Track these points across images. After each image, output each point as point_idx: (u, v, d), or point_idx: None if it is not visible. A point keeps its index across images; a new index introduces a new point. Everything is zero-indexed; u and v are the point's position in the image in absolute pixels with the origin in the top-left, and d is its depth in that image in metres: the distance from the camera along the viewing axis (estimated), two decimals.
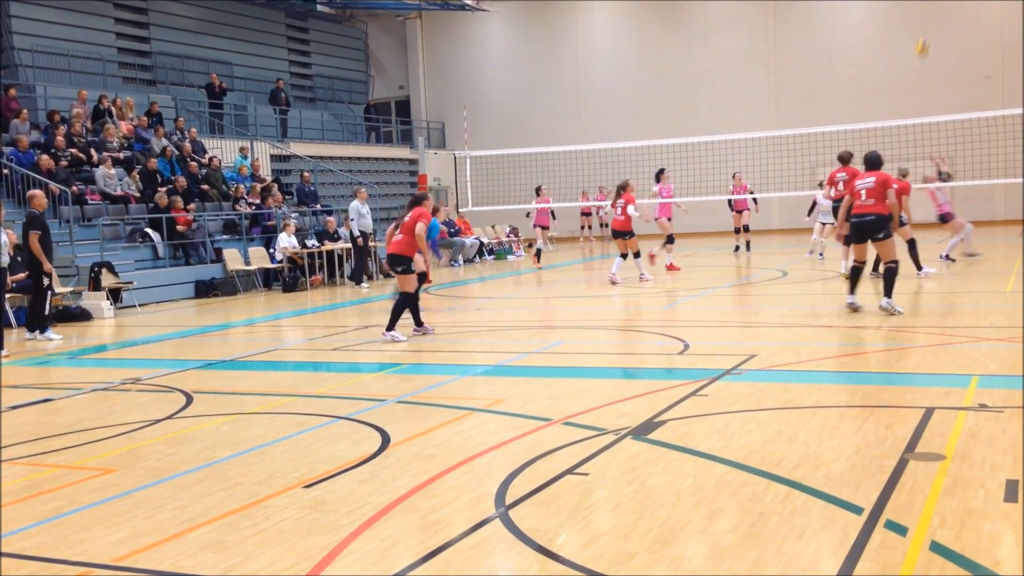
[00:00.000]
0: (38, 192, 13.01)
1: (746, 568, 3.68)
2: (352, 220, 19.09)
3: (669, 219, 18.14)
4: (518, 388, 7.62)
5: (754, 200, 21.97)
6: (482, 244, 25.53)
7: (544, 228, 22.03)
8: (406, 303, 10.39)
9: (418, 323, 10.73)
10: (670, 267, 17.48)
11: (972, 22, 28.16)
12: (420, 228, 10.23)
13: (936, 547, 3.78)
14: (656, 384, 7.43)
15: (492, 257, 25.76)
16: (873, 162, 10.80)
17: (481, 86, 35.16)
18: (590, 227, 31.80)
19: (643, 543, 4.00)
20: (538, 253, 21.15)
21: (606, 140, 28.32)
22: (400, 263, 10.30)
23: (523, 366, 8.84)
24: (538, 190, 22.23)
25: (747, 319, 11.48)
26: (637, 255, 15.96)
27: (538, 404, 6.84)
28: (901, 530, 3.98)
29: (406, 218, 10.46)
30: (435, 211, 14.84)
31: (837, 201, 14.13)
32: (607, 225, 30.48)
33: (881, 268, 10.99)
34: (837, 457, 5.10)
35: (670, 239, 17.79)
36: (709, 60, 31.79)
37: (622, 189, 15.88)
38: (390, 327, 10.34)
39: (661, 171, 18.77)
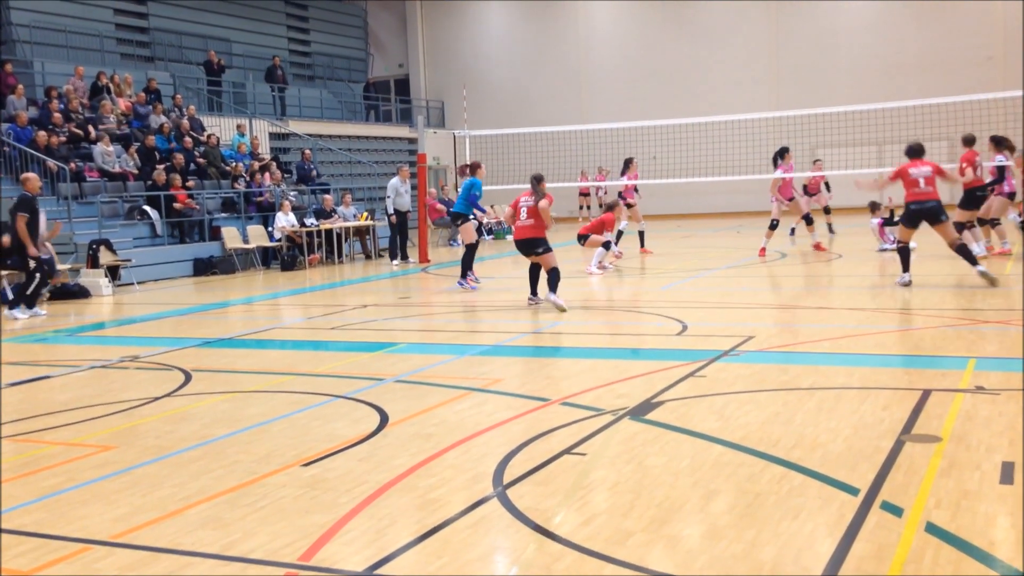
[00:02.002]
0: (32, 175, 12.99)
1: (743, 547, 3.70)
2: (389, 197, 18.75)
3: (790, 199, 16.51)
4: (516, 368, 7.63)
5: (827, 185, 20.36)
6: (481, 224, 25.47)
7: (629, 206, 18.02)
8: (558, 274, 10.88)
9: (534, 292, 11.27)
10: (817, 246, 16.46)
11: (974, 2, 28.01)
12: (544, 204, 10.95)
13: (931, 528, 3.80)
14: (654, 365, 7.44)
15: (491, 237, 25.73)
16: (919, 151, 11.38)
17: (481, 65, 34.97)
18: (588, 207, 31.74)
19: (640, 522, 4.01)
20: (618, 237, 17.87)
21: (606, 120, 28.19)
22: (539, 245, 11.01)
23: (521, 346, 8.84)
24: (627, 163, 18.45)
25: (745, 300, 11.48)
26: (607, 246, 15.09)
27: (536, 384, 6.85)
28: (897, 511, 4.00)
29: (530, 203, 11.03)
30: (475, 168, 14.48)
31: (974, 188, 14.00)
32: (604, 206, 30.43)
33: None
34: (834, 438, 5.11)
35: (807, 219, 16.59)
36: (710, 41, 31.62)
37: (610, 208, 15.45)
38: (554, 290, 10.76)
39: (784, 150, 16.98)
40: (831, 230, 19.86)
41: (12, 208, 12.46)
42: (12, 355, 9.75)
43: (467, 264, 13.50)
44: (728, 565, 3.54)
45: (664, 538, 3.84)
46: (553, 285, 10.78)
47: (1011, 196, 16.05)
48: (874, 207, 16.67)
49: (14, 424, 6.42)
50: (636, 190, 18.27)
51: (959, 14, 28.08)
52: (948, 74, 27.37)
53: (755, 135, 24.01)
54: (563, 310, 10.52)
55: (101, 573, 3.75)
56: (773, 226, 16.32)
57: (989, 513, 3.94)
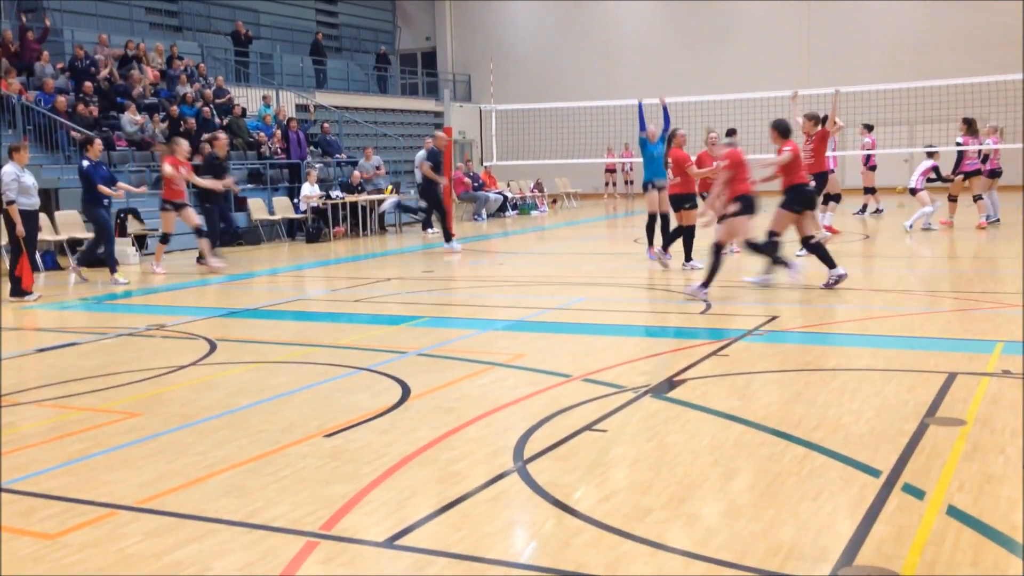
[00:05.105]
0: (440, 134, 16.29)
1: (761, 527, 3.70)
2: (418, 168, 18.94)
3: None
4: (539, 344, 7.64)
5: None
6: (506, 199, 25.45)
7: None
8: (692, 233, 11.86)
9: (688, 257, 11.93)
10: (828, 228, 15.35)
11: None
12: (693, 170, 11.74)
13: (953, 511, 3.78)
14: (677, 343, 7.42)
15: (515, 212, 25.70)
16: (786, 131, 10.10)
17: (508, 39, 34.77)
18: (614, 184, 31.65)
19: (660, 500, 4.02)
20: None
21: (634, 96, 27.88)
22: (686, 200, 11.82)
23: (544, 322, 8.85)
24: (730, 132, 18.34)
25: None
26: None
27: (558, 360, 6.86)
28: (919, 493, 3.98)
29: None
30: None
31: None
32: (632, 182, 30.34)
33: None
34: (857, 420, 5.09)
35: (830, 197, 15.61)
36: (741, 16, 31.25)
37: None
38: (666, 248, 12.01)
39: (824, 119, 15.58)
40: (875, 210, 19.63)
41: (426, 160, 15.56)
42: (42, 322, 9.88)
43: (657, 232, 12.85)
44: (747, 544, 3.54)
45: (683, 516, 3.85)
46: (676, 242, 11.89)
47: (993, 174, 16.16)
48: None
49: (43, 389, 6.52)
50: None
51: None
52: (982, 54, 26.90)
53: (785, 113, 23.68)
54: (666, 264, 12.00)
55: (126, 537, 3.81)
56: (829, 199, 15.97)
57: (1012, 497, 3.92)
